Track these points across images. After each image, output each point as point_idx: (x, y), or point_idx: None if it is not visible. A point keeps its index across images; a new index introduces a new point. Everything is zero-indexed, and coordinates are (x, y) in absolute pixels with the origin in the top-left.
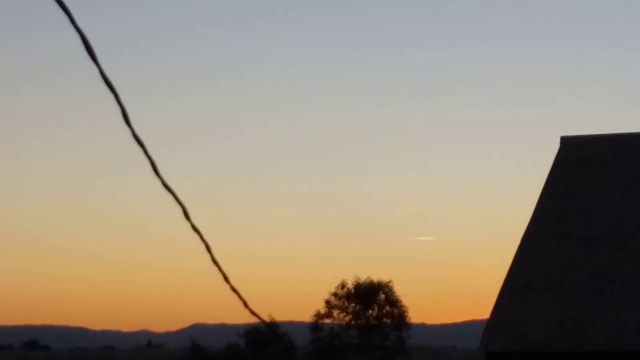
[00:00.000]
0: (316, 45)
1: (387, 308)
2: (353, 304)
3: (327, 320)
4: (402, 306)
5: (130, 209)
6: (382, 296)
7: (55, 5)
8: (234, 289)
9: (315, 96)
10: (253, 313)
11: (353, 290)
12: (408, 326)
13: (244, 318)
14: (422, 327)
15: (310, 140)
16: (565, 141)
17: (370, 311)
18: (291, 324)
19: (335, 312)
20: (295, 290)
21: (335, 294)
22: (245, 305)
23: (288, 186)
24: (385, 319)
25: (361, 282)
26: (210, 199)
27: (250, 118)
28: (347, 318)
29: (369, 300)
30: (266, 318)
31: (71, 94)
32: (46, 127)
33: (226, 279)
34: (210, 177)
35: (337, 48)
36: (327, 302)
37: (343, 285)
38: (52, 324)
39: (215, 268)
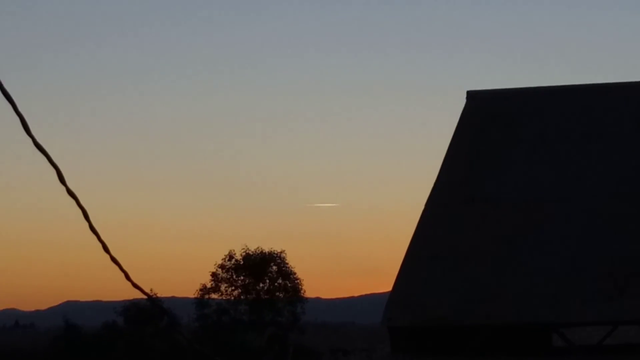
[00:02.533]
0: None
1: (280, 281)
2: (242, 277)
3: (213, 295)
4: (297, 279)
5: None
6: (274, 268)
7: None
8: (114, 260)
9: (200, 61)
10: (135, 286)
11: (242, 262)
12: (303, 300)
13: (121, 294)
14: (318, 301)
15: (197, 108)
16: (472, 96)
17: (262, 284)
18: (174, 299)
19: (223, 286)
20: (179, 264)
21: (222, 266)
22: (127, 277)
23: (174, 153)
24: (277, 293)
25: (251, 252)
26: (89, 162)
27: (133, 85)
28: (235, 292)
29: (260, 273)
30: (148, 292)
31: None
32: None
33: (106, 248)
34: (90, 138)
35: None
36: (214, 275)
37: (231, 256)
38: None
39: (93, 237)
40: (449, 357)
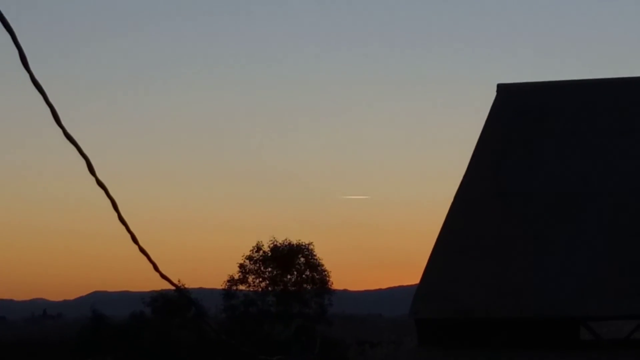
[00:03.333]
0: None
1: (307, 273)
2: (270, 269)
3: (241, 287)
4: (324, 270)
5: (26, 162)
6: (302, 260)
7: None
8: (142, 250)
9: (230, 54)
10: (163, 276)
11: (270, 254)
12: (330, 292)
13: (149, 285)
14: (345, 293)
15: (226, 100)
16: (502, 89)
17: (289, 276)
18: (201, 290)
19: (251, 278)
20: (207, 255)
21: (250, 258)
22: (155, 268)
23: (202, 145)
24: (305, 285)
25: (278, 244)
26: (118, 153)
27: (164, 76)
28: (263, 284)
29: (288, 264)
30: (175, 283)
31: None
32: None
33: (134, 239)
34: (119, 130)
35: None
36: (241, 266)
37: (258, 248)
38: None
39: (122, 227)
40: (476, 350)
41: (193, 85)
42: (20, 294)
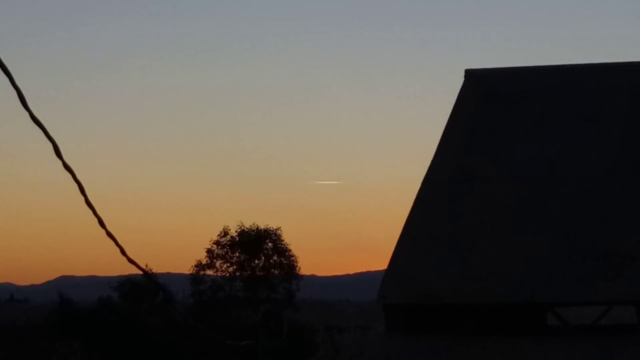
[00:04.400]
0: None
1: (275, 258)
2: (237, 254)
3: (209, 272)
4: (292, 256)
5: None
6: (270, 245)
7: None
8: (110, 234)
9: (195, 41)
10: (131, 261)
11: (237, 238)
12: (298, 277)
13: (116, 269)
14: (313, 278)
15: (195, 81)
16: (470, 75)
17: (257, 261)
18: (168, 275)
19: (218, 263)
20: (174, 240)
21: (217, 243)
22: (123, 252)
23: (170, 127)
24: (273, 270)
25: (246, 229)
26: (85, 136)
27: (128, 57)
28: (231, 269)
29: (255, 250)
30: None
31: None
32: None
33: (102, 223)
34: (85, 112)
35: None
36: (209, 251)
37: (225, 233)
38: None
39: (89, 211)
40: (443, 335)
41: (161, 66)
42: None
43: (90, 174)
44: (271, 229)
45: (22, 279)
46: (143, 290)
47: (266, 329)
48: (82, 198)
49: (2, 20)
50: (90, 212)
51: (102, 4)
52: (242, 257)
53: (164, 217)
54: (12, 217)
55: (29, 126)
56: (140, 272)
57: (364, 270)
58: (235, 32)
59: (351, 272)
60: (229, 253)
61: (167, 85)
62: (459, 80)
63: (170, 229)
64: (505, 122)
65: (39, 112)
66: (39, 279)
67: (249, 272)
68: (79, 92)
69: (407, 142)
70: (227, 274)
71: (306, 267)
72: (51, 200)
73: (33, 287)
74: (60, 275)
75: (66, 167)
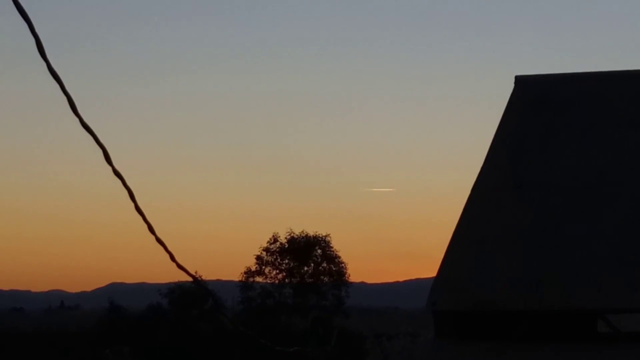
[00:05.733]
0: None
1: (324, 265)
2: (287, 260)
3: (258, 279)
4: (341, 262)
5: (42, 151)
6: (319, 252)
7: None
8: (159, 240)
9: (248, 48)
10: (180, 267)
11: (286, 245)
12: (347, 284)
13: (166, 276)
14: (362, 285)
15: (246, 89)
16: (520, 81)
17: (306, 268)
18: (218, 282)
19: (267, 269)
20: (224, 247)
21: (266, 249)
22: (172, 258)
23: (221, 134)
24: (322, 277)
25: (295, 235)
26: (135, 142)
27: (180, 64)
28: (280, 276)
29: (304, 256)
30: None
31: None
32: None
33: (151, 229)
34: (136, 118)
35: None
36: (258, 258)
37: (275, 239)
38: None
39: (139, 218)
40: (493, 342)
41: (212, 74)
42: (38, 286)
43: (141, 181)
44: (320, 235)
45: (73, 286)
46: (193, 297)
47: (315, 335)
48: (132, 204)
49: (52, 26)
50: (140, 218)
51: (156, 10)
52: (292, 264)
53: (215, 224)
54: (63, 224)
55: (79, 132)
56: (190, 279)
57: (414, 277)
58: (293, 41)
59: (401, 279)
60: (278, 260)
61: (219, 92)
62: (509, 87)
63: (221, 236)
64: (556, 129)
65: (89, 118)
66: (89, 286)
67: (298, 278)
68: (129, 97)
69: (460, 148)
70: (277, 281)
71: (356, 274)
72: (101, 206)
73: (83, 294)
74: (110, 282)
75: (116, 173)
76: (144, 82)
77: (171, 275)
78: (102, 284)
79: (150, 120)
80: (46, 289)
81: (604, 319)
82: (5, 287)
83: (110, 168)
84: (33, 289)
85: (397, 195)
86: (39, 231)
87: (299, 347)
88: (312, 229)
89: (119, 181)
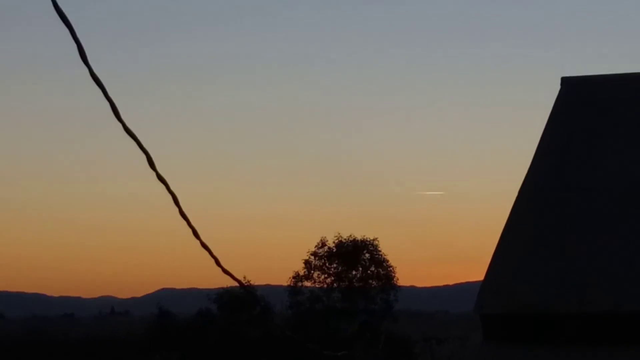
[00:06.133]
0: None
1: (372, 269)
2: (335, 265)
3: (306, 283)
4: (389, 266)
5: (88, 160)
6: (367, 256)
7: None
8: (204, 245)
9: (293, 50)
10: (225, 271)
11: (334, 249)
12: (395, 288)
13: (216, 282)
14: (412, 289)
15: (294, 95)
16: (566, 82)
17: (354, 272)
18: (268, 287)
19: (316, 274)
20: (273, 252)
21: (314, 254)
22: (217, 263)
23: (269, 140)
24: (370, 281)
25: (343, 240)
26: (180, 149)
27: (226, 71)
28: (328, 280)
29: (352, 261)
30: (240, 280)
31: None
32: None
33: (195, 233)
34: (181, 123)
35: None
36: (306, 262)
37: (323, 244)
38: (6, 290)
39: (183, 222)
40: (541, 345)
41: (259, 79)
42: (89, 292)
43: (186, 187)
44: (368, 239)
45: (123, 292)
46: (241, 302)
47: (362, 339)
48: (177, 210)
49: (95, 31)
50: (186, 224)
51: (198, 16)
52: (340, 268)
53: (264, 229)
54: (113, 231)
55: (123, 138)
56: (237, 284)
57: (464, 280)
58: (337, 47)
59: (451, 282)
60: (326, 264)
61: (266, 96)
62: (556, 89)
63: (270, 242)
64: (602, 130)
65: (132, 123)
66: (139, 292)
67: (347, 283)
68: (172, 102)
69: (509, 151)
70: (325, 285)
71: (406, 278)
72: (151, 213)
73: (133, 300)
74: (160, 288)
75: (160, 178)
76: (189, 87)
77: (221, 281)
78: (152, 289)
79: (196, 124)
80: (97, 295)
81: None
82: (56, 294)
83: (154, 173)
84: (84, 295)
85: (447, 198)
86: (90, 239)
87: (346, 351)
88: (361, 233)
89: (163, 186)
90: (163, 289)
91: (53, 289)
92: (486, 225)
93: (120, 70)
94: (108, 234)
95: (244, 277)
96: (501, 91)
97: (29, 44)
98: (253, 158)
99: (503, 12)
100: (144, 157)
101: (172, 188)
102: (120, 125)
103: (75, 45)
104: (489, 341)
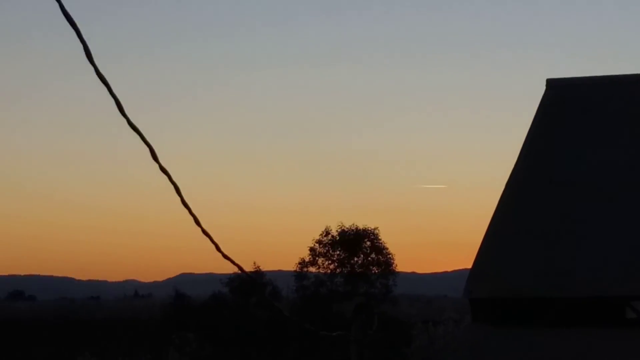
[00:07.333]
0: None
1: (373, 256)
2: (338, 252)
3: (312, 269)
4: (389, 253)
5: (105, 154)
6: (368, 244)
7: (55, 7)
8: (205, 232)
9: (304, 43)
10: (226, 257)
11: (338, 238)
12: (394, 273)
13: (231, 267)
14: (414, 275)
15: (297, 83)
16: (551, 84)
17: (356, 259)
18: (279, 272)
19: (320, 260)
20: (283, 239)
21: (319, 242)
22: (218, 248)
23: (275, 129)
24: (371, 267)
25: (346, 229)
26: (193, 141)
27: (231, 61)
28: (332, 266)
29: (354, 248)
30: (250, 266)
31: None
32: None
33: (197, 221)
34: (185, 114)
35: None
36: (312, 249)
37: (327, 232)
38: (37, 273)
39: (185, 211)
40: (525, 327)
41: (263, 68)
42: (114, 276)
43: (195, 176)
44: (369, 228)
45: (147, 276)
46: (250, 285)
47: (358, 320)
48: (185, 199)
49: (99, 29)
50: (191, 211)
51: (205, 11)
52: (342, 255)
53: (276, 217)
54: (137, 219)
55: (127, 132)
56: (247, 271)
57: (462, 267)
58: (351, 40)
59: (450, 269)
60: (330, 251)
61: (271, 85)
62: (541, 89)
63: (280, 229)
64: (587, 130)
65: (135, 118)
66: (161, 276)
67: (349, 268)
68: (174, 93)
69: (511, 145)
70: (329, 271)
71: (408, 264)
72: (172, 203)
73: (156, 284)
74: (180, 272)
75: (162, 169)
76: (191, 79)
77: (234, 266)
78: (173, 274)
79: (203, 116)
80: (122, 279)
81: (631, 305)
82: (84, 277)
83: (156, 165)
84: (109, 279)
85: (449, 191)
86: (115, 224)
87: (342, 331)
88: (366, 222)
89: (165, 177)
90: (183, 274)
91: (81, 273)
92: (487, 217)
93: (123, 66)
94: (133, 222)
95: (254, 263)
96: (499, 92)
97: (39, 46)
98: (265, 150)
99: (494, 13)
100: (146, 149)
101: (180, 177)
102: (124, 120)
103: (81, 46)
104: (477, 323)
